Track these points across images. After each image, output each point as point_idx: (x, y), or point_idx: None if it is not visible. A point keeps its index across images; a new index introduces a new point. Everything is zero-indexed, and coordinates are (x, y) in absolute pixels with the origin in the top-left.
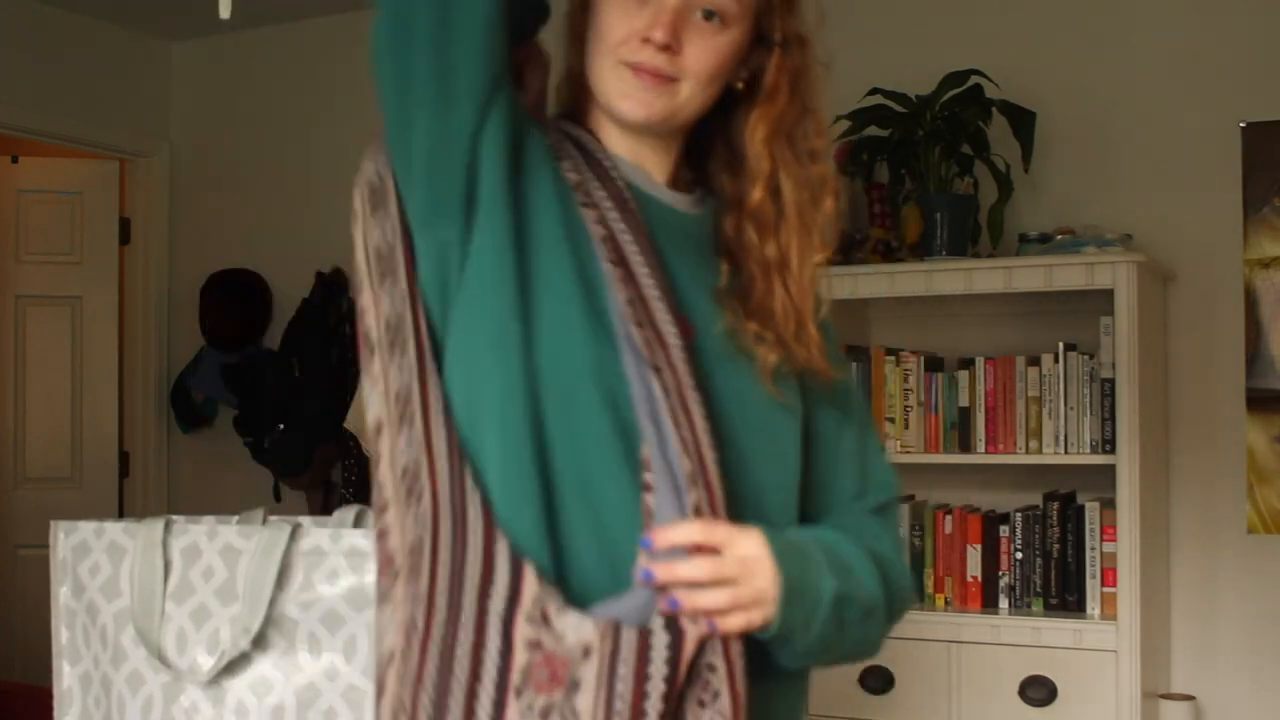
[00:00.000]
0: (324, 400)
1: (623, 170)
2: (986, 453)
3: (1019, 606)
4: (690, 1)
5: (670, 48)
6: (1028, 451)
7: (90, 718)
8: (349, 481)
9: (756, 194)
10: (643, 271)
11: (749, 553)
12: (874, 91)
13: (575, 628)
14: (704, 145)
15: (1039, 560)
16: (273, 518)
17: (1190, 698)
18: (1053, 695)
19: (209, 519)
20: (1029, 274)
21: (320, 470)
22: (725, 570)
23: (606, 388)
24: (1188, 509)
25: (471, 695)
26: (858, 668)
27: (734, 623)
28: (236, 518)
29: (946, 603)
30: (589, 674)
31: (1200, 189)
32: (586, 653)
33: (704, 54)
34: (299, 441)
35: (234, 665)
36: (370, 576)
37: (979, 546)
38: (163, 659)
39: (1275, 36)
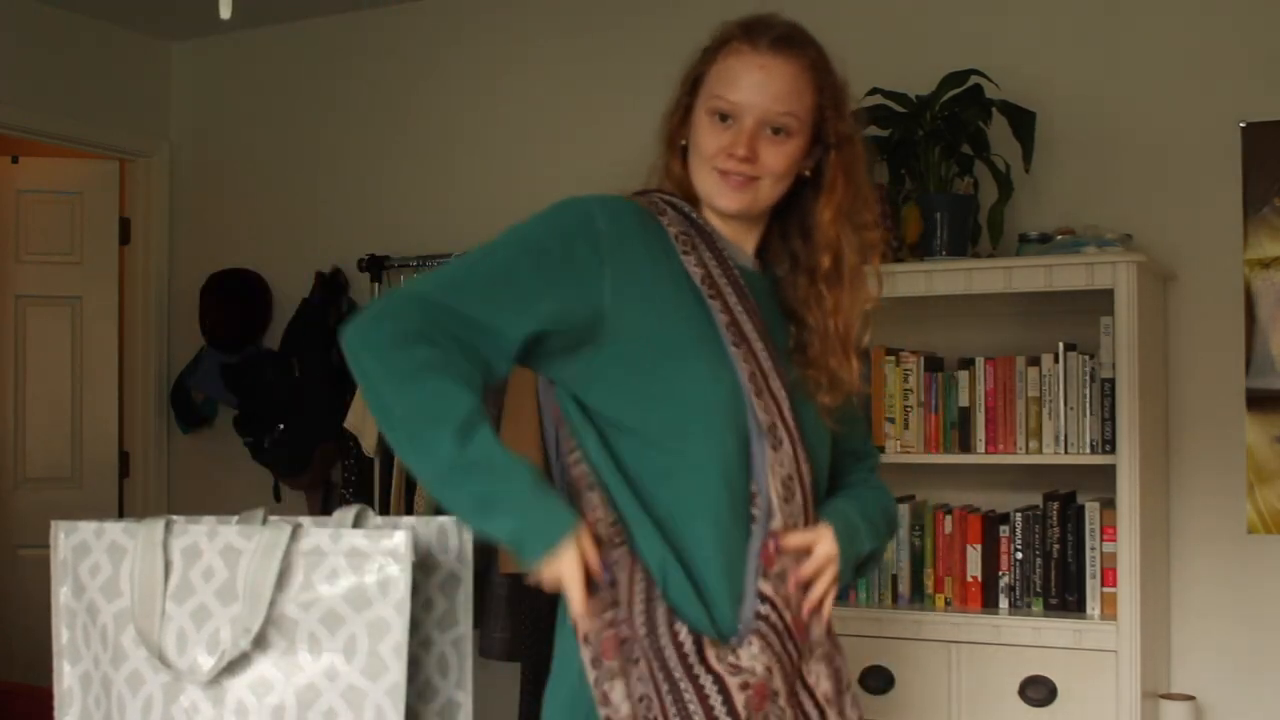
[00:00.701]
0: (324, 400)
1: (732, 252)
2: (986, 453)
3: (1019, 606)
4: (763, 120)
5: (749, 159)
6: (1028, 451)
7: (90, 717)
8: (349, 481)
9: (826, 261)
10: (759, 348)
11: (829, 550)
12: (874, 91)
13: (750, 656)
14: (780, 222)
15: (1039, 560)
16: (273, 518)
17: (1190, 698)
18: (1053, 695)
19: (209, 519)
20: (1029, 274)
21: (320, 470)
22: (820, 567)
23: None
24: (1188, 509)
25: None
26: (857, 670)
27: (824, 600)
28: (236, 518)
29: (946, 603)
30: (777, 682)
31: (1200, 189)
32: (769, 669)
33: (776, 158)
34: (299, 441)
35: (234, 665)
36: (370, 577)
37: (979, 546)
38: (163, 659)
39: (1275, 36)
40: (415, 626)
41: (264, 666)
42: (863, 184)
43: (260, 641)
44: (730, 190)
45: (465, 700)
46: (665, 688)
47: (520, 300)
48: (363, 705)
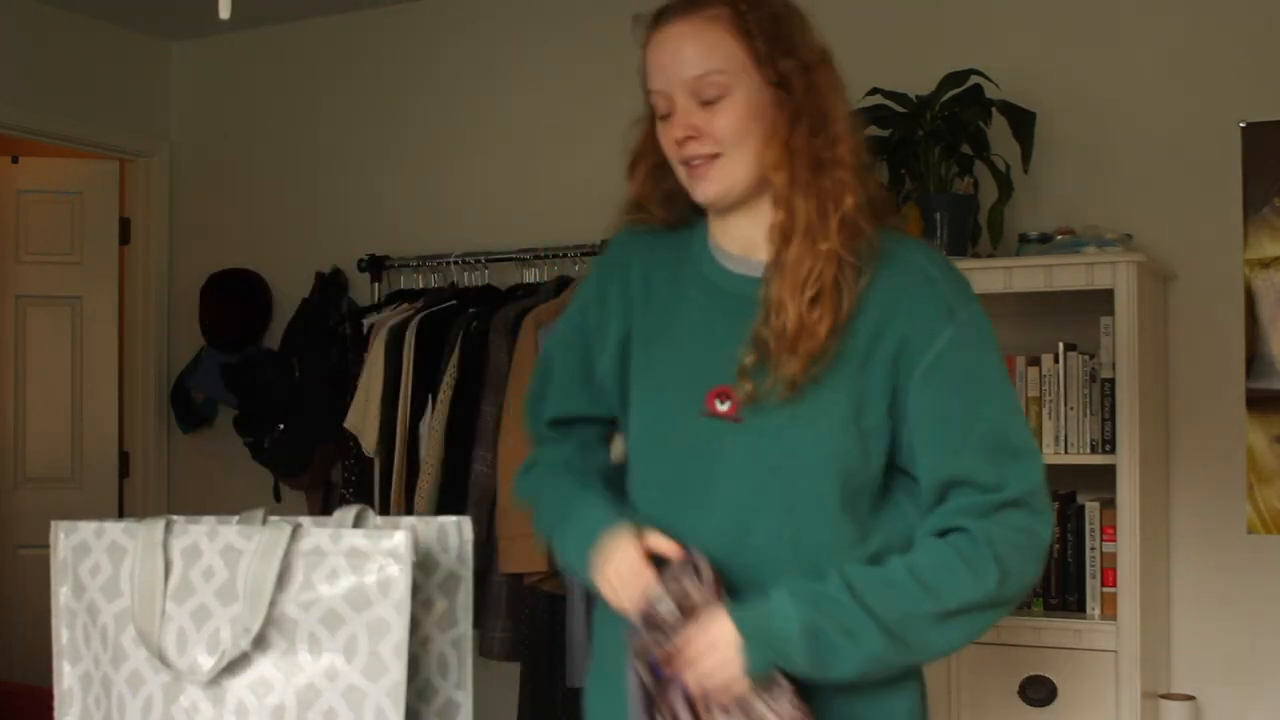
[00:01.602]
0: (324, 400)
1: (702, 263)
2: None
3: (1019, 606)
4: (690, 94)
5: (694, 138)
6: None
7: (90, 717)
8: (349, 481)
9: (777, 214)
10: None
11: (700, 647)
12: (874, 91)
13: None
14: None
15: None
16: (273, 518)
17: (1190, 698)
18: (1053, 695)
19: (209, 519)
20: (1029, 274)
21: (320, 470)
22: (690, 662)
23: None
24: (1188, 509)
25: None
26: None
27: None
28: (237, 518)
29: None
30: None
31: (1200, 189)
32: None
33: (722, 125)
34: (299, 441)
35: (234, 665)
36: (370, 577)
37: None
38: (163, 659)
39: (1275, 36)
40: (415, 626)
41: (264, 667)
42: (824, 118)
43: (260, 642)
44: (698, 180)
45: (465, 700)
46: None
47: None
48: (363, 705)
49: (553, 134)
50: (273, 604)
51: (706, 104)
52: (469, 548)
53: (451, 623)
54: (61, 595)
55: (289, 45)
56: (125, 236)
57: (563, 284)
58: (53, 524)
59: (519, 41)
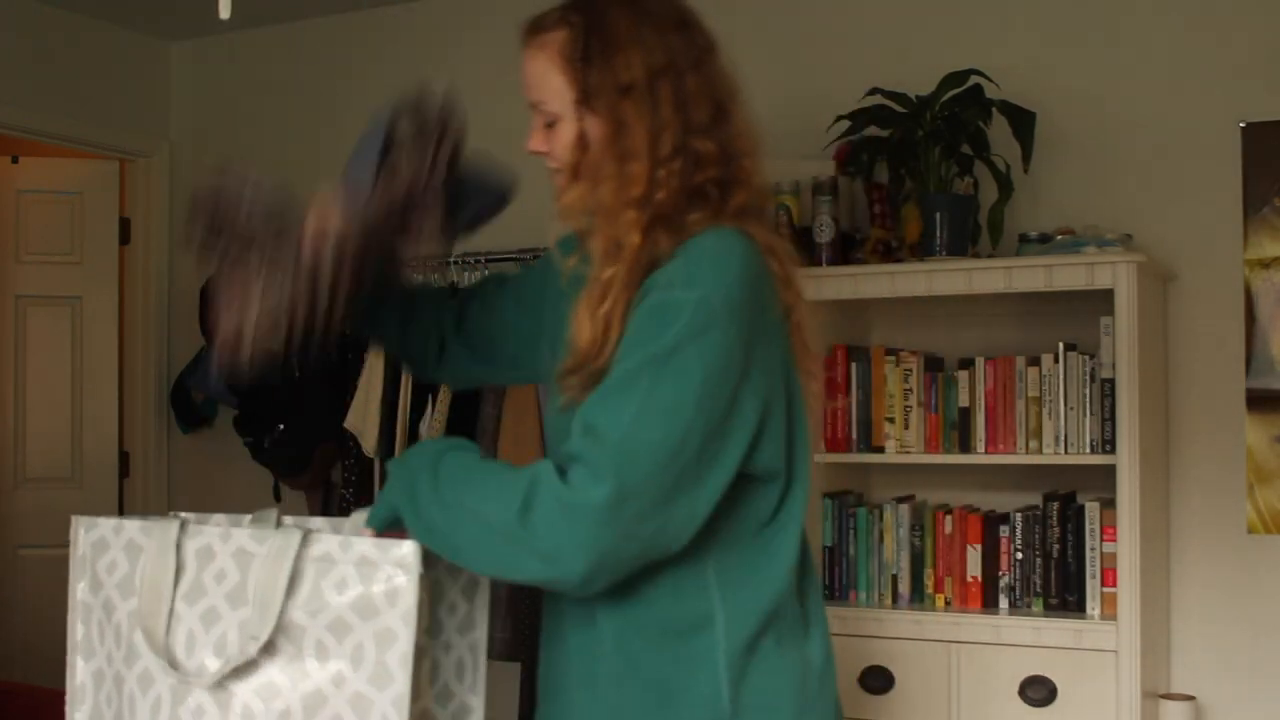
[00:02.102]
0: (324, 400)
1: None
2: (986, 453)
3: (1019, 606)
4: (537, 120)
5: (540, 153)
6: (1028, 451)
7: (102, 715)
8: (349, 481)
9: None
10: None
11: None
12: (874, 91)
13: None
14: None
15: (1039, 560)
16: (286, 518)
17: (1190, 698)
18: (1053, 695)
19: (220, 517)
20: (1029, 274)
21: (320, 470)
22: None
23: None
24: (1188, 509)
25: None
26: (857, 670)
27: None
28: (249, 517)
29: (946, 603)
30: None
31: (1200, 189)
32: None
33: (556, 146)
34: (299, 441)
35: (241, 670)
36: (378, 586)
37: (979, 547)
38: (170, 659)
39: (1275, 36)
40: (438, 630)
41: (271, 672)
42: (627, 154)
43: (268, 647)
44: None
45: (478, 705)
46: None
47: None
48: (369, 713)
49: None
50: (281, 611)
51: (549, 125)
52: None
53: (470, 626)
54: (79, 590)
55: (289, 45)
56: (125, 236)
57: None
58: (73, 519)
59: (519, 41)
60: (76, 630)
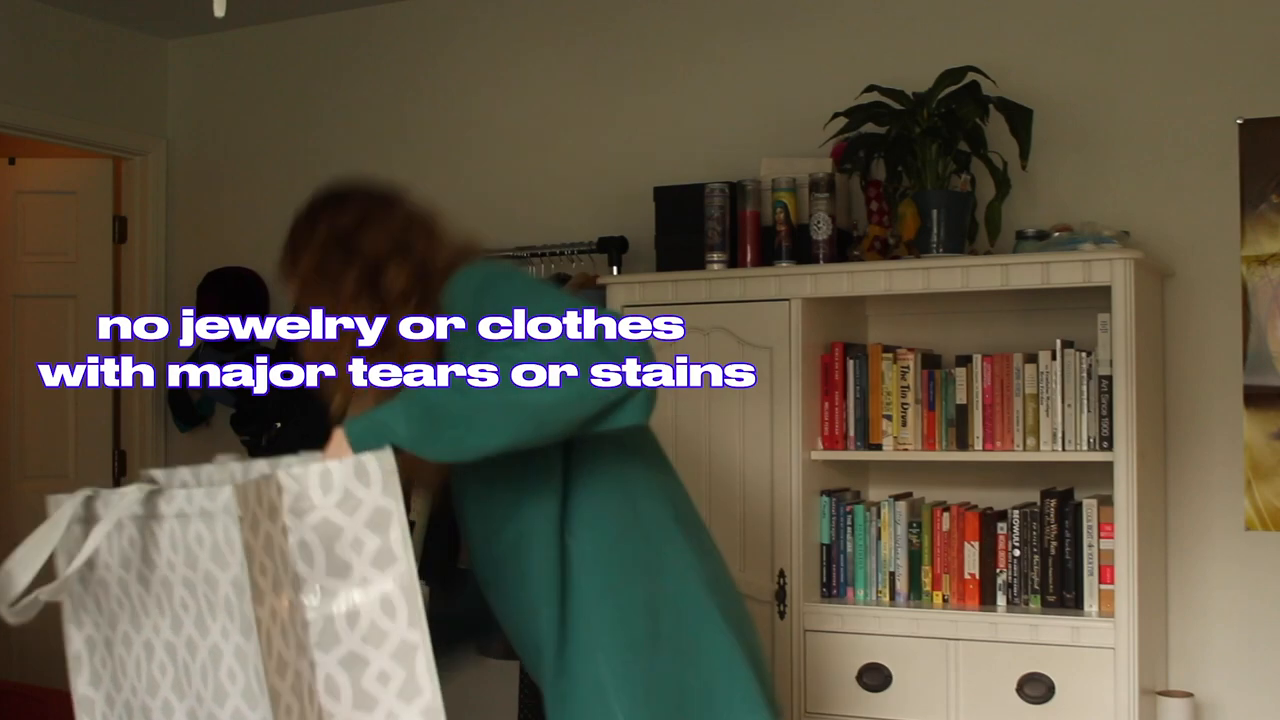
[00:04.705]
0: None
1: None
2: (984, 450)
3: (1016, 604)
4: None
5: None
6: (1025, 449)
7: (99, 677)
8: None
9: None
10: None
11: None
12: (871, 88)
13: None
14: None
15: (1036, 557)
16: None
17: (1188, 694)
18: (1050, 692)
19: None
20: (1026, 271)
21: None
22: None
23: None
24: (1185, 506)
25: None
26: (855, 667)
27: None
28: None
29: (944, 600)
30: None
31: (1197, 186)
32: None
33: None
34: (297, 440)
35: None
36: (219, 534)
37: (976, 544)
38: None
39: (1273, 34)
40: (346, 570)
41: (184, 633)
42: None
43: (167, 612)
44: None
45: (421, 639)
46: None
47: None
48: (246, 663)
49: (551, 133)
50: (163, 577)
51: None
52: (394, 479)
53: (390, 560)
54: (59, 565)
55: (285, 43)
56: (121, 235)
57: (560, 282)
58: (48, 499)
59: (518, 40)
60: (66, 604)
